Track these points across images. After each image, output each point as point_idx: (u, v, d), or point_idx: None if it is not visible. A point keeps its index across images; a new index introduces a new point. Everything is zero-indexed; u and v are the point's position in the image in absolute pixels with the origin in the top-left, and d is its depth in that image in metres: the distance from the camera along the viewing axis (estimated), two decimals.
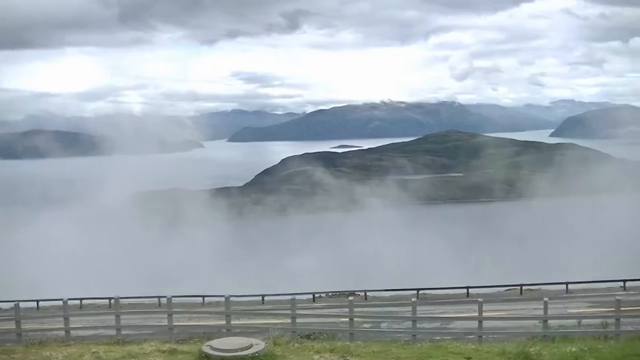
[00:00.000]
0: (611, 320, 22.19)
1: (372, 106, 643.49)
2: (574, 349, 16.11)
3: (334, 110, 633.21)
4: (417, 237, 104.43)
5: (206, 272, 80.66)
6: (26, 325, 24.30)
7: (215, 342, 14.99)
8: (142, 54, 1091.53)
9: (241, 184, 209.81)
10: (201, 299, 43.97)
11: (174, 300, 26.77)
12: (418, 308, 22.63)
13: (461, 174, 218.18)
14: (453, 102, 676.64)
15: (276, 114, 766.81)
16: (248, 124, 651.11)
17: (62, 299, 25.28)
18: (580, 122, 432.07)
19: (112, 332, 22.96)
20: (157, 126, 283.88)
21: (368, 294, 44.56)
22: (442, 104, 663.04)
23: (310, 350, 16.20)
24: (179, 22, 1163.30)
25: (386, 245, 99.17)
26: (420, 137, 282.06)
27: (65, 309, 23.47)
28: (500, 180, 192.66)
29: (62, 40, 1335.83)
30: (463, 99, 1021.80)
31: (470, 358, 15.90)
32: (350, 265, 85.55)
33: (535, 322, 24.53)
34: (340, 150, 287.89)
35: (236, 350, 14.36)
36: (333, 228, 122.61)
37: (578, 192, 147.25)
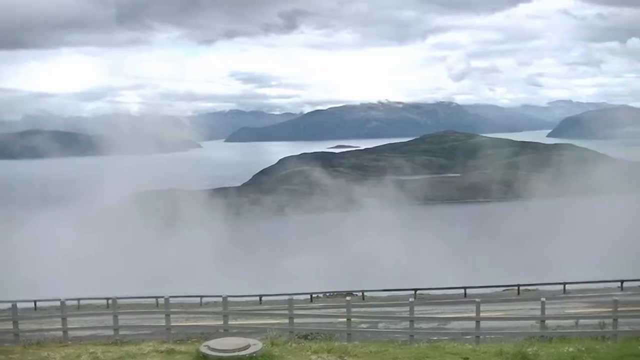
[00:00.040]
0: (609, 321, 22.17)
1: (370, 106, 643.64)
2: (571, 349, 16.14)
3: (331, 111, 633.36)
4: (415, 238, 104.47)
5: (204, 272, 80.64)
6: (24, 326, 24.23)
7: (213, 343, 14.99)
8: (140, 54, 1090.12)
9: (239, 184, 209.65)
10: (199, 299, 43.91)
11: (172, 300, 26.82)
12: (415, 308, 22.61)
13: (458, 175, 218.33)
14: (450, 103, 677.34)
15: (274, 114, 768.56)
16: (245, 124, 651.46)
17: (59, 299, 25.25)
18: (577, 122, 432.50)
19: (110, 332, 22.98)
20: (154, 126, 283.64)
21: (365, 294, 44.52)
22: (440, 104, 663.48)
23: (307, 351, 16.19)
24: (176, 22, 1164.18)
25: (384, 245, 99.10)
26: (418, 137, 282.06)
27: (62, 309, 23.43)
28: (498, 181, 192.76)
29: (59, 40, 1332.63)
30: (460, 99, 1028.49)
31: (468, 358, 15.92)
32: (348, 266, 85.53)
33: (533, 322, 24.51)
34: (337, 151, 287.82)
35: (234, 350, 14.36)
36: (330, 228, 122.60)
37: (575, 192, 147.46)
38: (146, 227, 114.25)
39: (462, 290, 42.17)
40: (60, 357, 17.02)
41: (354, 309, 26.62)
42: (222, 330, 22.65)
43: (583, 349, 16.15)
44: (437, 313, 34.05)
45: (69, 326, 23.03)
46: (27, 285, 59.80)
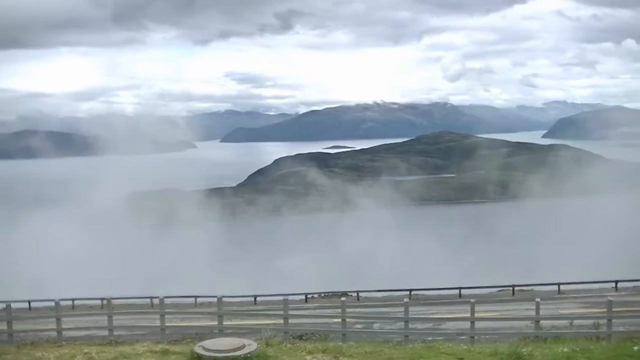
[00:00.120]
0: (603, 321, 22.24)
1: (365, 107, 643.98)
2: (565, 350, 16.16)
3: (326, 111, 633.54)
4: (410, 238, 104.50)
5: (199, 272, 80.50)
6: (18, 326, 24.17)
7: (208, 343, 14.98)
8: (136, 54, 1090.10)
9: (234, 184, 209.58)
10: (194, 299, 43.83)
11: (167, 300, 26.79)
12: (410, 309, 22.66)
13: (454, 175, 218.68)
14: (446, 103, 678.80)
15: (269, 114, 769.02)
16: (241, 125, 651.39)
17: (54, 300, 25.21)
18: (572, 123, 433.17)
19: (105, 332, 22.92)
20: (150, 126, 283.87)
21: (360, 294, 44.48)
22: (435, 105, 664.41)
23: (302, 351, 16.20)
24: (172, 22, 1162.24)
25: (379, 245, 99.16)
26: (413, 138, 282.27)
27: (57, 310, 23.39)
28: (493, 181, 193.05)
29: (55, 40, 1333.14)
30: (456, 99, 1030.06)
31: (463, 358, 15.94)
32: (343, 266, 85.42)
33: (528, 322, 24.53)
34: (333, 151, 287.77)
35: (228, 350, 14.35)
36: (326, 228, 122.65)
37: (570, 193, 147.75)
38: (141, 228, 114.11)
39: (457, 291, 42.15)
40: (55, 357, 16.99)
41: (348, 310, 26.65)
42: (216, 331, 22.64)
43: (577, 349, 16.17)
44: (432, 313, 34.09)
45: (63, 326, 22.99)
46: (22, 285, 59.62)
